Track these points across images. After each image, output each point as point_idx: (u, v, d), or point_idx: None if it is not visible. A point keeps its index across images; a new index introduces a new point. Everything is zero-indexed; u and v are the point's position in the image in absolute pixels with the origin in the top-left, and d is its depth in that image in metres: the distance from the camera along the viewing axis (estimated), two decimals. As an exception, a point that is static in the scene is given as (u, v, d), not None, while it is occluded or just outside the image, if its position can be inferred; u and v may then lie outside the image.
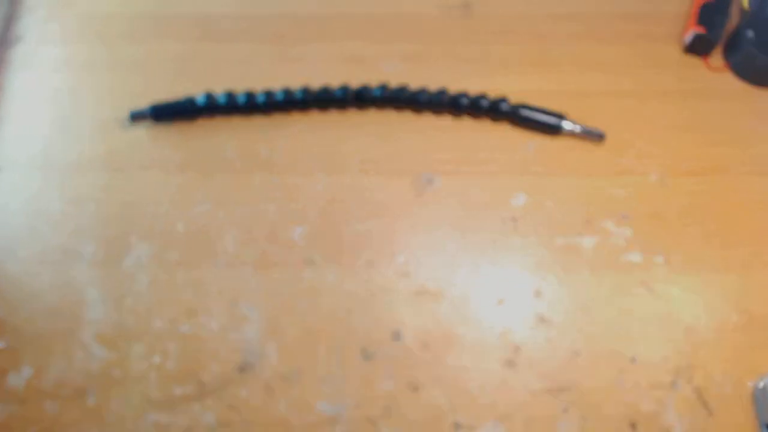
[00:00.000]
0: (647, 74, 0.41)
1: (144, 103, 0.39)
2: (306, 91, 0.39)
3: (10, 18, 0.44)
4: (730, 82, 0.40)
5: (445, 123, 0.40)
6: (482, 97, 0.39)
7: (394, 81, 0.39)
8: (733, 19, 0.41)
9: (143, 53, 0.42)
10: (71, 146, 0.39)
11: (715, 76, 0.40)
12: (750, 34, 0.38)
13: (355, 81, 0.39)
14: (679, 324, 0.33)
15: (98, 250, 0.36)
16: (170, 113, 0.39)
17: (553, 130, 0.38)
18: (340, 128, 0.40)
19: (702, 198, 0.37)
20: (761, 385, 0.32)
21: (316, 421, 0.32)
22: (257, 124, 0.40)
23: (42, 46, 0.43)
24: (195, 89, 0.40)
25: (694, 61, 0.41)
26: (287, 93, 0.39)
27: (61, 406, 0.32)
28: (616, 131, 0.38)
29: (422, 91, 0.39)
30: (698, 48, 0.40)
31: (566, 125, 0.38)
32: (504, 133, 0.39)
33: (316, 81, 0.40)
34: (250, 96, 0.39)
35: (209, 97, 0.39)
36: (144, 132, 0.40)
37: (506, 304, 0.34)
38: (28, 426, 0.32)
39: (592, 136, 0.38)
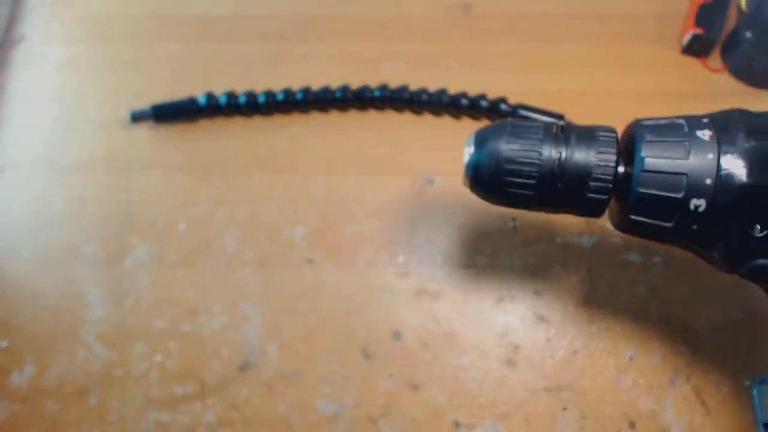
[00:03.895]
0: (646, 75, 0.41)
1: (146, 103, 0.40)
2: (306, 92, 0.39)
3: (13, 18, 0.44)
4: (728, 82, 0.40)
5: (445, 123, 0.40)
6: (482, 97, 0.39)
7: (393, 81, 0.40)
8: (731, 20, 0.41)
9: (145, 54, 0.42)
10: (73, 146, 0.39)
11: (713, 76, 0.41)
12: (748, 35, 0.39)
13: (355, 81, 0.40)
14: (677, 323, 0.34)
15: (100, 250, 0.36)
16: (171, 113, 0.40)
17: (553, 130, 0.38)
18: (341, 128, 0.40)
19: (700, 198, 0.37)
20: (759, 384, 0.32)
21: (316, 420, 0.32)
22: (258, 124, 0.40)
23: (44, 46, 0.43)
24: (196, 89, 0.40)
25: (692, 61, 0.41)
26: (287, 93, 0.39)
27: (62, 406, 0.32)
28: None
29: (422, 92, 0.39)
30: (696, 49, 0.40)
31: (565, 126, 0.38)
32: (503, 133, 0.39)
33: (316, 81, 0.40)
34: (250, 96, 0.39)
35: (210, 97, 0.39)
36: (145, 132, 0.40)
37: (506, 304, 0.35)
38: (30, 425, 0.32)
39: (591, 136, 0.38)
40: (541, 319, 0.34)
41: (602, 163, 0.24)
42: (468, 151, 0.26)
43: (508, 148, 0.24)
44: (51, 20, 0.44)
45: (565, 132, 0.24)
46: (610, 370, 0.33)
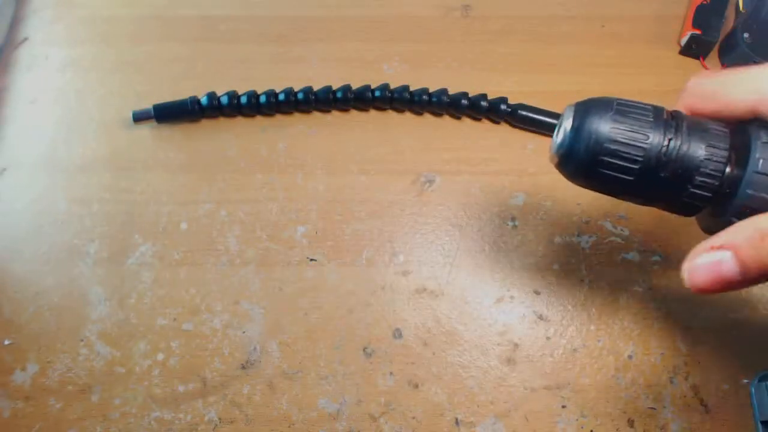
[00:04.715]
0: (645, 75, 0.41)
1: (148, 103, 0.40)
2: (307, 92, 0.39)
3: (16, 19, 0.45)
4: (727, 83, 0.40)
5: (445, 123, 0.40)
6: (482, 97, 0.39)
7: (394, 81, 0.40)
8: (729, 21, 0.41)
9: (147, 54, 0.43)
10: (76, 146, 0.40)
11: (712, 77, 0.41)
12: (746, 36, 0.39)
13: (356, 82, 0.40)
14: (676, 322, 0.34)
15: (102, 249, 0.36)
16: (173, 114, 0.40)
17: (553, 130, 0.38)
18: (341, 128, 0.40)
19: (699, 197, 0.37)
20: (757, 382, 0.32)
21: (317, 418, 0.32)
22: (259, 124, 0.40)
23: (47, 47, 0.43)
24: (198, 90, 0.40)
25: (691, 62, 0.41)
26: (289, 93, 0.39)
27: (65, 404, 0.33)
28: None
29: (422, 92, 0.39)
30: (694, 49, 0.41)
31: (565, 126, 0.38)
32: (503, 133, 0.40)
33: (317, 82, 0.40)
34: (252, 96, 0.39)
35: (211, 97, 0.39)
36: (148, 132, 0.40)
37: (505, 303, 0.35)
38: (33, 422, 0.32)
39: (591, 136, 0.38)
40: (541, 317, 0.34)
41: (713, 158, 0.22)
42: (565, 125, 0.23)
43: (612, 126, 0.22)
44: (54, 21, 0.44)
45: (675, 118, 0.23)
46: (610, 368, 0.33)
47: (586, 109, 0.23)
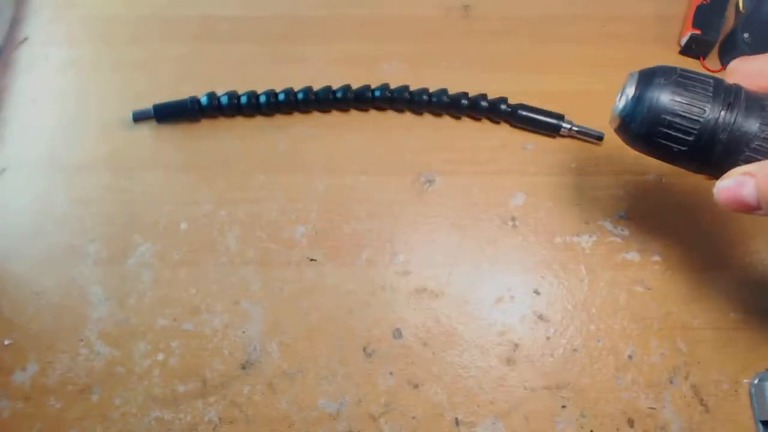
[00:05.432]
0: (645, 75, 0.41)
1: (148, 103, 0.40)
2: (307, 92, 0.39)
3: (16, 19, 0.45)
4: (727, 83, 0.41)
5: (445, 123, 0.40)
6: (482, 97, 0.39)
7: (394, 81, 0.40)
8: (729, 21, 0.41)
9: (147, 54, 0.43)
10: (75, 146, 0.40)
11: (712, 77, 0.41)
12: (745, 36, 0.39)
13: (356, 82, 0.40)
14: (676, 322, 0.34)
15: (102, 249, 0.36)
16: (172, 113, 0.40)
17: (553, 130, 0.39)
18: (341, 129, 0.40)
19: (699, 197, 0.37)
20: (757, 381, 0.32)
21: (317, 418, 0.32)
22: (259, 124, 0.40)
23: (47, 47, 0.43)
24: (198, 90, 0.40)
25: (691, 62, 0.41)
26: (289, 94, 0.39)
27: (65, 404, 0.33)
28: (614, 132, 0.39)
29: (422, 92, 0.39)
30: (694, 49, 0.41)
31: (565, 126, 0.38)
32: (503, 133, 0.40)
33: (317, 82, 0.40)
34: (251, 96, 0.39)
35: (211, 97, 0.39)
36: (147, 132, 0.40)
37: (505, 303, 0.35)
38: (33, 423, 0.32)
39: (591, 136, 0.38)
40: (541, 317, 0.34)
41: (763, 135, 0.23)
42: (627, 92, 0.24)
43: (672, 98, 0.23)
44: (54, 21, 0.44)
45: (735, 92, 0.24)
46: (609, 368, 0.33)
47: (649, 78, 0.24)
